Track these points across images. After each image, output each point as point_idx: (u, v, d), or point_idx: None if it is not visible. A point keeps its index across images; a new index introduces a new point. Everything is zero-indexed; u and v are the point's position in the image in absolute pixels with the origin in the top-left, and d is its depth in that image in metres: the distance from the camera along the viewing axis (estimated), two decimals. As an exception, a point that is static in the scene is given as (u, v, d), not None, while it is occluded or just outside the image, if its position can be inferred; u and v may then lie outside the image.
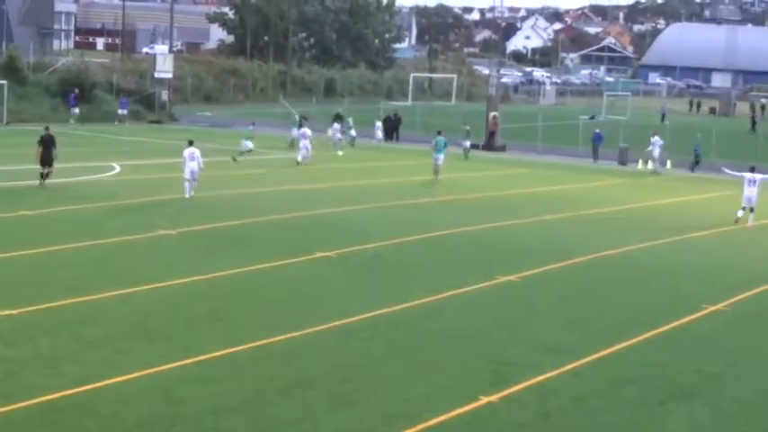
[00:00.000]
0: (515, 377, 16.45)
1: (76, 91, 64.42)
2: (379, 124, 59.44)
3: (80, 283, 21.17)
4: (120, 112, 64.53)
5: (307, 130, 46.94)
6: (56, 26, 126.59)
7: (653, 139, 52.64)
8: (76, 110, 63.24)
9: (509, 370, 16.90)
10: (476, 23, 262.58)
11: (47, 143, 35.02)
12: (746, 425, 15.24)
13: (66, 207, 31.08)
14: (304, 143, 46.36)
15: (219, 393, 14.95)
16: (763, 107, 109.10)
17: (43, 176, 34.78)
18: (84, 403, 14.29)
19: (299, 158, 45.98)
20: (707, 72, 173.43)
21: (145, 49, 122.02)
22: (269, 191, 37.16)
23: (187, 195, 33.72)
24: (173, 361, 16.21)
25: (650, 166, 53.05)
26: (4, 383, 14.95)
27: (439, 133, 44.35)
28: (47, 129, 36.39)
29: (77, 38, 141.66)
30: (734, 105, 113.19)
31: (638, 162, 54.46)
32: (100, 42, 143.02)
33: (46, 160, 34.86)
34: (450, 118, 67.30)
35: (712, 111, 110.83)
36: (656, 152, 52.59)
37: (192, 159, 33.86)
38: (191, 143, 34.55)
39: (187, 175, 33.78)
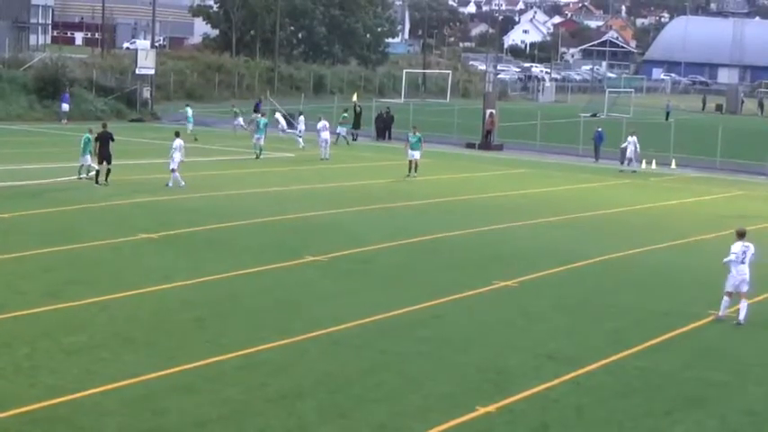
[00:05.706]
0: (514, 386, 16.21)
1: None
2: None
3: (60, 289, 20.92)
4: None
5: (326, 123, 49.23)
6: (32, 20, 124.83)
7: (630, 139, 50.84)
8: None
9: (507, 379, 16.67)
10: (472, 17, 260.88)
11: (104, 140, 35.26)
12: (755, 436, 15.07)
13: (45, 210, 30.65)
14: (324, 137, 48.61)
15: (205, 404, 14.72)
16: (761, 104, 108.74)
17: (98, 174, 35.15)
18: (63, 415, 14.16)
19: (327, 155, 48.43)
20: (713, 67, 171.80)
21: (126, 45, 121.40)
22: (256, 192, 36.83)
23: (182, 184, 35.31)
24: (156, 370, 16.02)
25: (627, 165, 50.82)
26: (-22, 394, 14.69)
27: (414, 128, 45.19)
28: (104, 126, 37.07)
29: (55, 32, 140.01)
30: (741, 102, 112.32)
31: (641, 162, 53.72)
32: (78, 37, 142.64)
33: (104, 157, 35.20)
34: (444, 116, 66.70)
35: (719, 108, 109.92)
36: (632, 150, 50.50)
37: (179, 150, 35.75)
38: (177, 134, 36.51)
39: (173, 165, 35.54)
